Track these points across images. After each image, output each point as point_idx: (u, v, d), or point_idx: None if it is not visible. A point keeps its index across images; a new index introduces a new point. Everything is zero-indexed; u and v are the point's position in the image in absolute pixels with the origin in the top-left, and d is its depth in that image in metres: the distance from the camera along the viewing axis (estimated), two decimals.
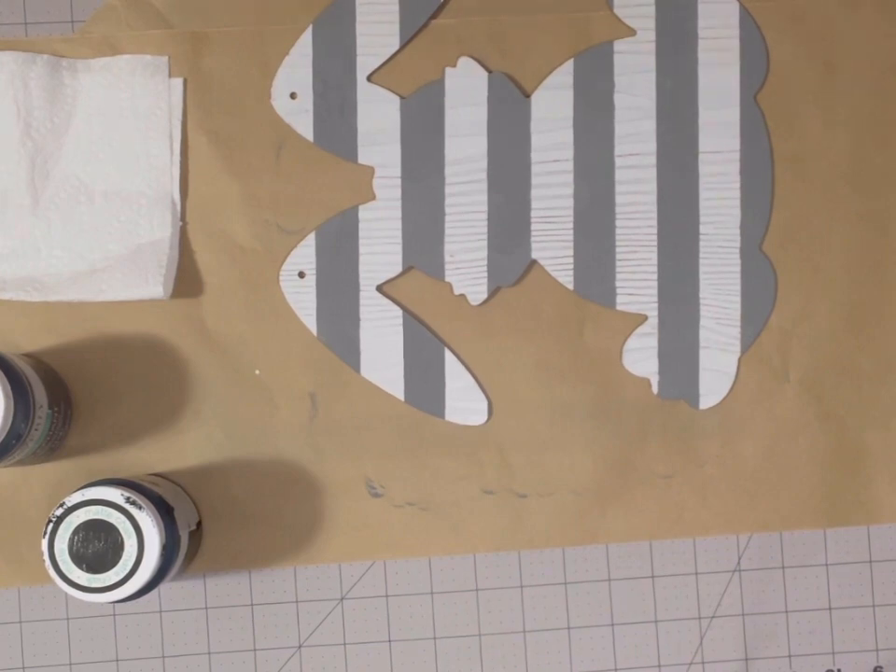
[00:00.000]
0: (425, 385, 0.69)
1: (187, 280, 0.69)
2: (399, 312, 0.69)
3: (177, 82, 0.68)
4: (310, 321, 0.69)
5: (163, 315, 0.68)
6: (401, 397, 0.69)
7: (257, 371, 0.69)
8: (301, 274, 0.69)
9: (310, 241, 0.69)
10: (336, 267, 0.69)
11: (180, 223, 0.68)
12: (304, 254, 0.69)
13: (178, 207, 0.68)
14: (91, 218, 0.68)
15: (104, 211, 0.68)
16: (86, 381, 0.68)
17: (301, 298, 0.69)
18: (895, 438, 0.70)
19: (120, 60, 0.68)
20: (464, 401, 0.69)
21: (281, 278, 0.69)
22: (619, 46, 0.69)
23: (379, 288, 0.69)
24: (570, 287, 0.69)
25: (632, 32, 0.69)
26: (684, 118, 0.69)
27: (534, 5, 0.69)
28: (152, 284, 0.67)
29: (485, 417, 0.69)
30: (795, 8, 0.69)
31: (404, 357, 0.69)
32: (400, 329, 0.69)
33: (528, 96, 0.69)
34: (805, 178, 0.70)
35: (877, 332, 0.70)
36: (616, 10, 0.69)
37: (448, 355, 0.69)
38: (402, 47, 0.69)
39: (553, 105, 0.69)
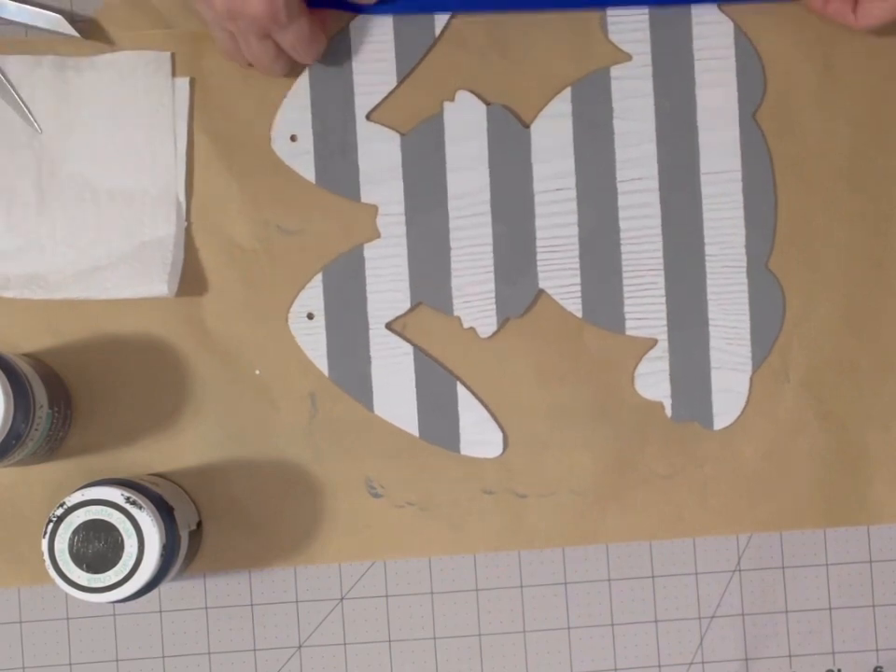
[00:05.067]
0: (438, 420, 0.69)
1: (187, 280, 0.69)
2: (410, 348, 0.69)
3: (183, 81, 0.68)
4: (321, 362, 0.68)
5: (163, 315, 0.68)
6: (416, 433, 0.69)
7: (257, 371, 0.69)
8: (310, 316, 0.69)
9: (317, 282, 0.69)
10: (344, 307, 0.69)
11: (185, 222, 0.68)
12: (312, 295, 0.69)
13: (183, 206, 0.68)
14: (96, 216, 0.68)
15: (108, 209, 0.68)
16: (86, 381, 0.68)
17: (312, 339, 0.69)
18: (895, 438, 0.70)
19: (124, 56, 0.68)
20: (478, 434, 0.69)
21: (290, 320, 0.69)
22: (615, 71, 0.69)
23: (388, 326, 0.69)
24: (579, 314, 0.69)
25: (628, 57, 0.69)
26: (684, 140, 0.69)
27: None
28: (157, 282, 0.67)
29: (500, 450, 0.69)
30: (795, 9, 0.69)
31: (417, 393, 0.69)
32: (412, 365, 0.69)
33: (528, 126, 0.69)
34: (805, 179, 0.70)
35: (877, 332, 0.70)
36: (611, 37, 0.69)
37: (460, 389, 0.69)
38: (399, 84, 0.69)
39: (552, 134, 0.69)
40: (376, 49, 0.69)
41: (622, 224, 0.69)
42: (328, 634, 0.69)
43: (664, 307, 0.69)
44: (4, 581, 0.68)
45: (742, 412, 0.69)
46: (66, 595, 0.67)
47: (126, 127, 0.68)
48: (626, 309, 0.69)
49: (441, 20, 0.69)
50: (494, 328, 0.69)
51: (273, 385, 0.69)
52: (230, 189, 0.69)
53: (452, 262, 0.69)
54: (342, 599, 0.69)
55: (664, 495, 0.69)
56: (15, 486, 0.68)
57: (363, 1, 0.68)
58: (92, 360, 0.68)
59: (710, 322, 0.69)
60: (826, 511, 0.70)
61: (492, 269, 0.69)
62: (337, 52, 0.68)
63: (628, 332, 0.69)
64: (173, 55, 0.69)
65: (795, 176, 0.70)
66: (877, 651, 0.70)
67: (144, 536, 0.61)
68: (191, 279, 0.69)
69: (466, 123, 0.69)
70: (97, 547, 0.61)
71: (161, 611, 0.69)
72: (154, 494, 0.63)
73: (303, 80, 0.69)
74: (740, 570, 0.70)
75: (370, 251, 0.69)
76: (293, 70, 0.68)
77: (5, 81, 0.68)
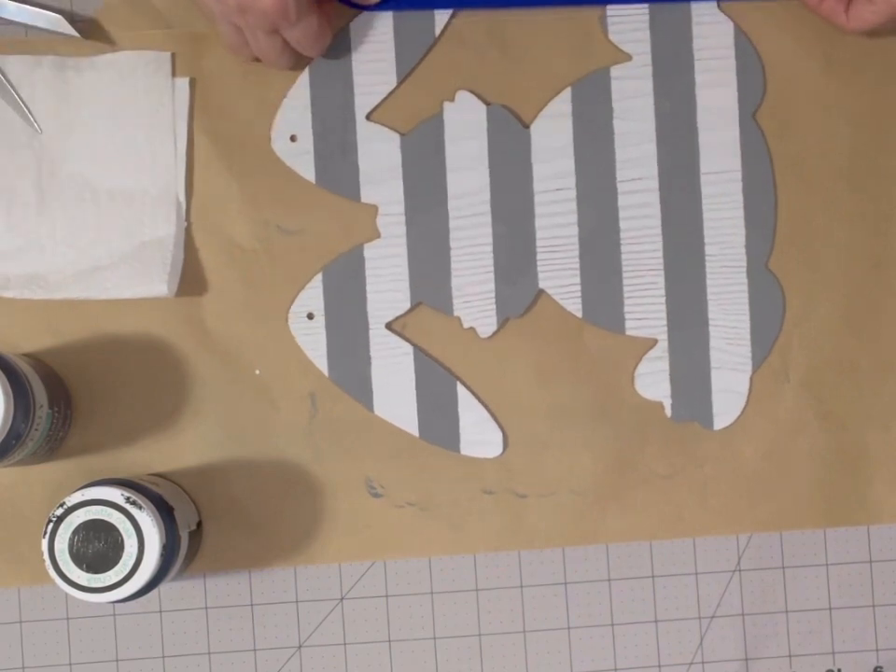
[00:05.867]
0: (438, 420, 0.69)
1: (187, 280, 0.69)
2: (410, 348, 0.69)
3: (183, 81, 0.68)
4: (321, 362, 0.68)
5: (163, 315, 0.68)
6: (416, 433, 0.69)
7: (257, 371, 0.69)
8: (310, 316, 0.69)
9: (317, 282, 0.69)
10: (344, 307, 0.69)
11: (185, 223, 0.68)
12: (312, 295, 0.69)
13: (183, 206, 0.68)
14: (96, 216, 0.68)
15: (108, 209, 0.68)
16: (86, 381, 0.68)
17: (312, 339, 0.69)
18: (895, 438, 0.70)
19: (124, 56, 0.68)
20: (478, 434, 0.69)
21: (290, 320, 0.68)
22: (615, 72, 0.69)
23: (388, 326, 0.69)
24: (579, 314, 0.69)
25: (627, 57, 0.69)
26: (684, 140, 0.69)
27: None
28: (157, 282, 0.67)
29: (500, 450, 0.69)
30: (795, 8, 0.69)
31: (416, 393, 0.69)
32: (412, 365, 0.69)
33: (527, 126, 0.69)
34: (805, 179, 0.70)
35: (877, 332, 0.70)
36: (611, 37, 0.69)
37: (460, 389, 0.69)
38: (399, 84, 0.69)
39: (552, 134, 0.69)
40: (376, 49, 0.69)
41: (622, 224, 0.69)
42: (328, 634, 0.69)
43: (664, 307, 0.69)
44: (4, 581, 0.68)
45: (742, 412, 0.69)
46: (66, 594, 0.67)
47: (126, 127, 0.68)
48: (626, 309, 0.69)
49: (441, 19, 0.69)
50: (494, 328, 0.69)
51: (273, 385, 0.69)
52: (230, 189, 0.69)
53: (452, 262, 0.69)
54: (342, 599, 0.69)
55: (664, 495, 0.69)
56: (15, 486, 0.68)
57: (365, 1, 0.68)
58: (92, 360, 0.68)
59: (710, 322, 0.69)
60: (826, 511, 0.70)
61: (492, 269, 0.69)
62: (337, 52, 0.68)
63: (628, 332, 0.69)
64: (173, 55, 0.69)
65: (795, 176, 0.70)
66: (877, 651, 0.70)
67: (144, 536, 0.61)
68: (191, 279, 0.69)
69: (466, 123, 0.69)
70: (97, 547, 0.61)
71: (161, 611, 0.69)
72: (154, 494, 0.63)
73: (303, 80, 0.69)
74: (740, 570, 0.70)
75: (370, 251, 0.69)
76: (298, 63, 0.68)
77: (5, 81, 0.68)
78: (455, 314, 0.69)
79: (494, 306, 0.69)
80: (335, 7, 0.68)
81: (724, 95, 0.69)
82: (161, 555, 0.61)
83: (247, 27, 0.64)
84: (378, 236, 0.69)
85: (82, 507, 0.61)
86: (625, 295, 0.69)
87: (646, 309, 0.69)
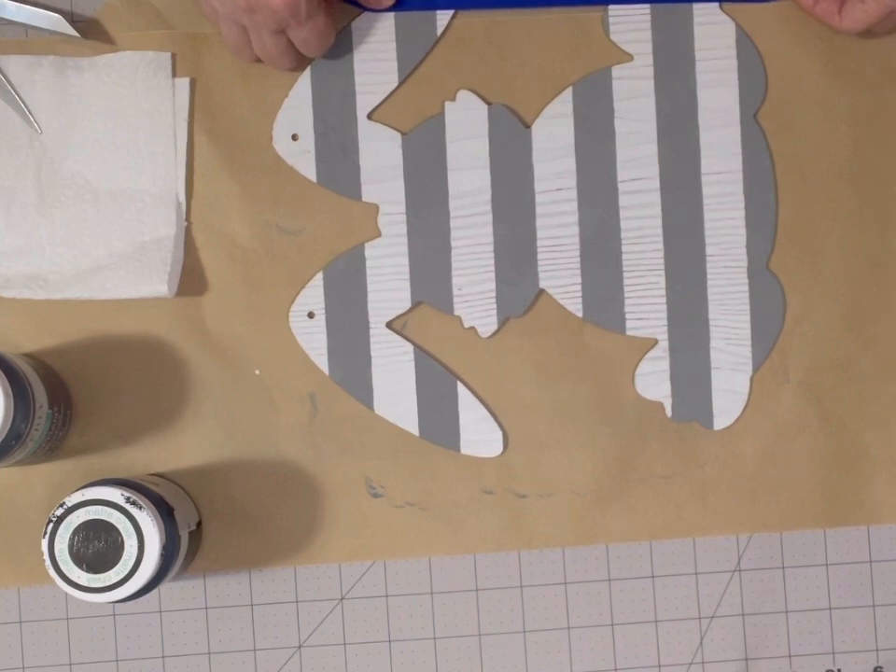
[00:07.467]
0: (439, 419, 0.69)
1: (187, 280, 0.69)
2: (410, 347, 0.69)
3: (183, 81, 0.68)
4: (321, 361, 0.68)
5: (163, 316, 0.68)
6: (416, 432, 0.69)
7: (257, 371, 0.69)
8: (311, 315, 0.69)
9: (318, 281, 0.69)
10: (345, 306, 0.69)
11: (185, 223, 0.68)
12: (313, 294, 0.69)
13: (183, 206, 0.68)
14: (96, 216, 0.68)
15: (108, 209, 0.68)
16: (86, 381, 0.68)
17: (312, 338, 0.69)
18: (895, 438, 0.70)
19: (124, 56, 0.68)
20: (478, 433, 0.69)
21: (291, 319, 0.69)
22: (617, 72, 0.69)
23: (389, 325, 0.69)
24: (579, 314, 0.69)
25: (629, 57, 0.69)
26: (685, 140, 0.69)
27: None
28: (157, 282, 0.67)
29: (500, 449, 0.69)
30: (796, 9, 0.69)
31: (417, 392, 0.69)
32: (412, 364, 0.69)
33: (529, 126, 0.69)
34: (806, 179, 0.70)
35: (877, 332, 0.70)
36: (612, 37, 0.69)
37: (461, 388, 0.69)
38: (401, 83, 0.69)
39: (553, 134, 0.69)
40: (378, 48, 0.69)
41: (623, 224, 0.69)
42: (328, 634, 0.69)
43: (664, 307, 0.69)
44: (4, 581, 0.68)
45: (742, 412, 0.69)
46: (66, 594, 0.67)
47: (126, 127, 0.68)
48: (627, 309, 0.69)
49: (442, 20, 0.69)
50: (494, 327, 0.69)
51: (273, 385, 0.69)
52: (230, 189, 0.69)
53: (452, 262, 0.69)
54: (342, 599, 0.69)
55: (664, 495, 0.69)
56: (15, 486, 0.68)
57: (374, 5, 0.68)
58: (92, 360, 0.68)
59: (711, 322, 0.69)
60: (826, 511, 0.70)
61: (492, 268, 0.69)
62: (339, 52, 0.68)
63: (629, 332, 0.69)
64: (173, 55, 0.69)
65: (796, 176, 0.70)
66: (877, 651, 0.70)
67: (144, 536, 0.61)
68: (191, 279, 0.69)
69: (467, 123, 0.69)
70: (97, 547, 0.61)
71: (160, 611, 0.69)
72: (154, 494, 0.63)
73: (305, 80, 0.69)
74: (740, 570, 0.70)
75: (370, 250, 0.69)
76: (299, 64, 0.68)
77: (5, 81, 0.68)
78: (456, 313, 0.69)
79: (494, 306, 0.69)
80: (338, 6, 0.68)
81: (726, 95, 0.69)
82: (161, 555, 0.61)
83: (253, 27, 0.64)
84: (379, 235, 0.69)
85: (82, 507, 0.61)
86: (626, 295, 0.69)
87: (646, 309, 0.69)
